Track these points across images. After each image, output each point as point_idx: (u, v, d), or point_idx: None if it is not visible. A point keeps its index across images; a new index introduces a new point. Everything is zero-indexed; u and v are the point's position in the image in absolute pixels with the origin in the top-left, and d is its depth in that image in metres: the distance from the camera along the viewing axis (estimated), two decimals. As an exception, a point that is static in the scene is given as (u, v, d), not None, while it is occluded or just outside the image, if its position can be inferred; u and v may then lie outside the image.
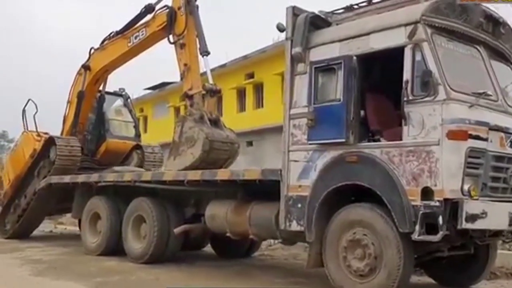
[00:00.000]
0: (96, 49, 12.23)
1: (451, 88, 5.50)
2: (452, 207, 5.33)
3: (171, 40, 10.11)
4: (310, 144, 6.46)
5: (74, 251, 10.55)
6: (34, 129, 12.76)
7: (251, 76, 25.27)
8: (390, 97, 6.49)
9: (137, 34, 11.20)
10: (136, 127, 13.68)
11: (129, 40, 11.37)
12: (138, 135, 13.65)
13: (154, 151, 12.90)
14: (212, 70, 28.75)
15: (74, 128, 12.32)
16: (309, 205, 6.39)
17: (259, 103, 25.31)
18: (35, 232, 13.74)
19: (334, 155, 6.26)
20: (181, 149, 9.06)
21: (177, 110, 30.93)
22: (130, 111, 13.96)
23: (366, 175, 5.92)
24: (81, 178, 10.44)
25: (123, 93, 13.96)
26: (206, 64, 10.11)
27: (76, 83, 12.61)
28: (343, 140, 6.08)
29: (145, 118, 35.09)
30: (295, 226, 6.58)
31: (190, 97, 9.87)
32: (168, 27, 10.17)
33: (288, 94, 6.84)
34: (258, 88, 25.15)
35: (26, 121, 13.04)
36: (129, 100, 14.16)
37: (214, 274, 8.17)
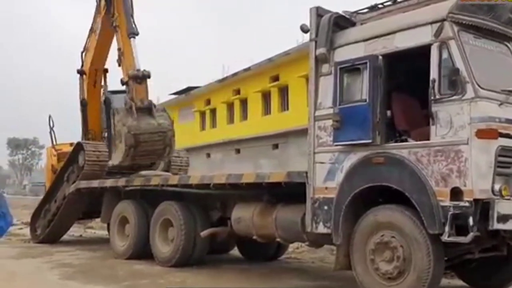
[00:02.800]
0: (83, 52, 12.35)
1: (479, 86, 5.39)
2: (483, 207, 5.22)
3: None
4: (336, 145, 6.40)
5: (103, 255, 10.63)
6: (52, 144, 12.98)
7: (276, 79, 25.28)
8: (417, 96, 6.38)
9: (97, 25, 11.15)
10: None
11: (95, 33, 11.35)
12: None
13: (179, 155, 12.98)
14: (235, 74, 28.99)
15: (85, 136, 12.41)
16: (336, 207, 6.33)
17: (284, 106, 25.29)
18: (65, 237, 13.90)
19: (360, 157, 6.19)
20: (116, 143, 8.89)
21: (202, 114, 31.15)
22: None
23: (393, 176, 5.83)
24: (109, 182, 10.55)
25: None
26: (134, 47, 9.66)
27: (79, 91, 12.72)
28: (369, 141, 6.01)
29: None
30: (321, 229, 6.53)
31: (126, 85, 9.56)
32: (107, 11, 10.03)
33: (313, 95, 6.80)
34: (283, 91, 25.14)
35: (51, 136, 13.26)
36: None
37: (239, 277, 8.15)
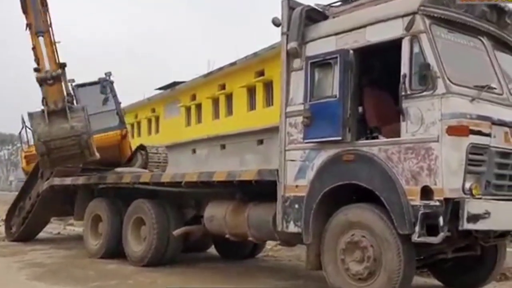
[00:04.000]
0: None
1: (451, 82, 5.22)
2: (454, 207, 5.06)
3: None
4: (307, 143, 6.22)
5: (77, 254, 10.39)
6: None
7: (261, 73, 25.04)
8: (390, 92, 6.20)
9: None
10: (119, 113, 12.68)
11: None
12: (122, 122, 12.73)
13: (158, 151, 12.76)
14: (221, 69, 28.66)
15: None
16: (306, 205, 6.16)
17: (269, 101, 25.06)
18: (42, 234, 13.66)
19: (330, 154, 6.01)
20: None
21: (188, 109, 30.88)
22: (113, 97, 12.78)
23: (363, 174, 5.67)
24: (81, 180, 10.31)
25: (99, 79, 12.78)
26: (42, 46, 9.35)
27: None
28: (339, 138, 5.84)
29: (157, 118, 35.11)
30: (292, 228, 6.35)
31: (40, 86, 9.18)
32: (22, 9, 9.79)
33: (284, 91, 6.61)
34: (268, 86, 24.91)
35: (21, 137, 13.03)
36: (107, 85, 12.77)
37: (214, 276, 7.98)
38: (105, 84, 12.53)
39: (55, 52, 10.12)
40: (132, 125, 38.52)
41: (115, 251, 9.43)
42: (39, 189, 11.72)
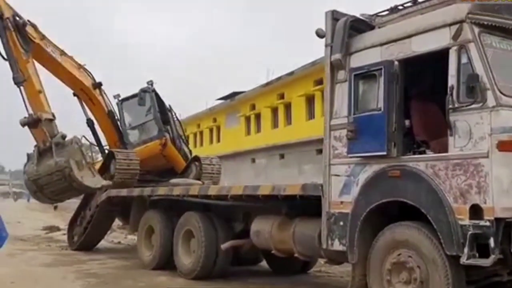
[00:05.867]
0: None
1: (502, 93, 4.89)
2: (506, 227, 4.71)
3: None
4: (351, 157, 6.02)
5: (132, 265, 10.57)
6: None
7: (320, 82, 24.74)
8: (439, 104, 5.89)
9: None
10: (158, 122, 12.71)
11: None
12: (161, 130, 12.69)
13: (212, 162, 12.82)
14: (279, 78, 28.51)
15: (102, 153, 12.57)
16: (351, 223, 5.95)
17: (328, 110, 24.71)
18: (104, 243, 14.10)
19: (376, 169, 5.79)
20: None
21: (247, 119, 31.04)
22: (152, 107, 12.81)
23: (410, 191, 5.41)
24: (136, 191, 10.51)
25: (139, 90, 12.82)
26: (23, 94, 10.11)
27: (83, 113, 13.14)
28: (385, 153, 5.60)
29: (218, 128, 35.52)
30: (337, 246, 6.15)
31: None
32: None
33: (328, 103, 6.44)
34: (327, 95, 24.55)
35: None
36: (146, 95, 12.78)
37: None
38: (142, 96, 12.60)
39: (40, 97, 10.70)
40: (195, 135, 39.29)
41: (167, 263, 9.52)
42: (98, 200, 12.07)
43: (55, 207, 18.48)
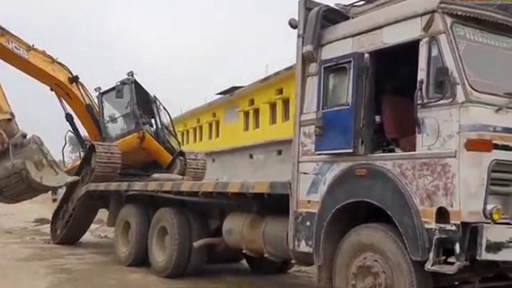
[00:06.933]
0: None
1: (473, 88, 4.57)
2: (472, 232, 4.40)
3: None
4: (319, 154, 5.71)
5: (111, 260, 10.28)
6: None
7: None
8: (413, 100, 5.58)
9: None
10: (135, 115, 12.22)
11: None
12: (137, 123, 12.20)
13: (197, 157, 12.50)
14: (278, 73, 27.94)
15: (83, 149, 12.27)
16: (318, 223, 5.66)
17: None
18: (89, 237, 13.90)
19: (343, 168, 5.49)
20: None
21: (246, 114, 30.73)
22: (130, 99, 12.24)
23: (376, 191, 5.11)
24: (113, 186, 10.26)
25: (117, 83, 12.32)
26: None
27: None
28: (351, 150, 5.30)
29: (217, 123, 35.22)
30: (303, 247, 5.86)
31: None
32: None
33: (299, 98, 6.13)
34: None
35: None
36: (125, 87, 12.18)
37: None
38: (120, 88, 12.15)
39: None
40: (195, 130, 39.02)
41: (142, 259, 9.26)
42: (79, 193, 11.82)
43: (54, 200, 18.31)
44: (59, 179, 11.16)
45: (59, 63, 12.64)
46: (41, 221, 18.41)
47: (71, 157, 24.58)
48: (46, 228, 16.40)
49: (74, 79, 12.64)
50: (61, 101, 12.79)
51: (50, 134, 13.77)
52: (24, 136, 10.88)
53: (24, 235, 14.81)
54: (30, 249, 11.77)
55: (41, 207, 27.33)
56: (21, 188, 9.35)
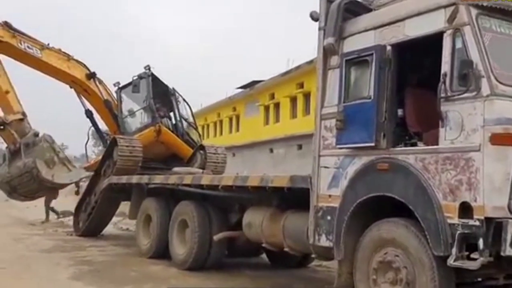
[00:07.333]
0: None
1: (498, 81, 4.47)
2: (497, 228, 4.31)
3: None
4: (340, 148, 5.66)
5: (133, 252, 10.38)
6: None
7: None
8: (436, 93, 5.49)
9: None
10: (151, 109, 12.24)
11: None
12: (154, 117, 12.24)
13: (217, 151, 12.52)
14: (298, 67, 27.78)
15: (103, 144, 12.34)
16: (338, 218, 5.61)
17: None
18: (111, 229, 14.05)
19: (365, 162, 5.43)
20: None
21: (266, 108, 30.67)
22: (147, 93, 12.25)
23: (397, 185, 5.04)
24: (134, 179, 10.34)
25: (134, 77, 12.32)
26: None
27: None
28: (373, 144, 5.24)
29: (238, 117, 35.21)
30: (324, 241, 5.83)
31: None
32: None
33: (320, 91, 6.08)
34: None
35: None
36: (141, 81, 12.24)
37: (250, 285, 7.58)
38: (136, 83, 12.21)
39: (7, 98, 10.95)
40: (215, 124, 39.10)
41: (163, 252, 9.33)
42: (101, 186, 11.95)
43: (77, 192, 18.62)
44: (72, 175, 11.38)
45: (76, 60, 12.82)
46: (64, 213, 18.68)
47: (94, 151, 24.80)
48: (69, 220, 16.71)
49: (92, 76, 12.82)
50: (80, 98, 12.99)
51: (75, 129, 14.00)
52: (36, 135, 11.12)
53: (47, 227, 15.02)
54: (52, 241, 11.95)
55: (65, 200, 27.76)
56: (34, 186, 9.58)
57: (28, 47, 11.96)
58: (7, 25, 11.99)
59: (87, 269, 8.51)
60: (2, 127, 10.02)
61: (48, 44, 12.50)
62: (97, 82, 12.93)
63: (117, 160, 11.34)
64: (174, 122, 12.85)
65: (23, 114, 11.33)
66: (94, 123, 13.27)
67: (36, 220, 16.60)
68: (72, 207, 18.55)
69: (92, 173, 11.58)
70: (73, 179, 11.28)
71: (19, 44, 11.90)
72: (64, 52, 12.75)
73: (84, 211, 12.88)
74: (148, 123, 12.41)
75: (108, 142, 12.47)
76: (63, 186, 11.63)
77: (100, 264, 9.04)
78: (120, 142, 11.39)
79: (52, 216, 18.28)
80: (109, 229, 13.67)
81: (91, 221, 12.55)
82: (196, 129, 13.79)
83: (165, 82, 12.90)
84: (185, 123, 13.00)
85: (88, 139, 13.95)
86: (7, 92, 11.45)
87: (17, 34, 12.00)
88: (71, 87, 12.98)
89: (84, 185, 13.82)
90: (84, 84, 12.79)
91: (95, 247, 11.15)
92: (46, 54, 12.33)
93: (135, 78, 12.30)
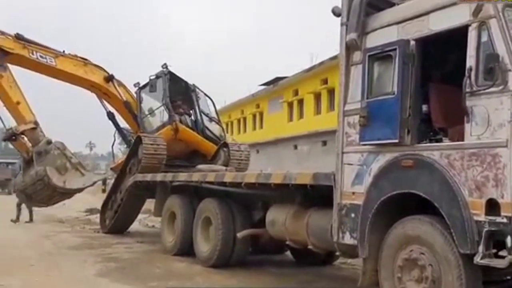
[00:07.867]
0: None
1: (526, 75, 4.35)
2: None
3: None
4: (363, 145, 5.60)
5: (158, 249, 10.47)
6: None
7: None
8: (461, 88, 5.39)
9: None
10: (168, 107, 12.18)
11: None
12: (170, 115, 12.20)
13: (240, 149, 12.52)
14: (322, 63, 27.51)
15: (127, 145, 12.47)
16: (363, 215, 5.56)
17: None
18: (137, 226, 14.20)
19: (389, 158, 5.36)
20: None
21: (290, 104, 30.58)
22: (163, 91, 12.22)
23: (422, 182, 4.97)
24: (159, 177, 10.41)
25: (152, 77, 12.38)
26: None
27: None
28: (397, 140, 5.17)
29: (261, 114, 35.17)
30: (348, 239, 5.78)
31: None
32: None
33: (343, 87, 6.02)
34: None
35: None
36: (158, 80, 12.27)
37: (274, 282, 7.58)
38: (152, 83, 12.28)
39: (18, 109, 11.01)
40: (239, 121, 39.14)
41: (188, 249, 9.37)
42: (127, 184, 12.06)
43: (104, 190, 18.95)
44: (85, 180, 11.57)
45: (94, 65, 12.91)
46: (92, 211, 18.97)
47: (121, 149, 25.10)
48: (96, 217, 16.95)
49: (110, 78, 12.93)
50: (101, 101, 13.13)
51: (103, 128, 14.19)
52: (48, 142, 11.29)
53: (75, 225, 15.29)
54: (80, 238, 12.15)
55: (93, 198, 28.22)
56: (47, 193, 9.80)
57: (40, 56, 12.05)
58: (18, 37, 12.11)
59: (113, 266, 8.62)
60: (14, 137, 10.27)
61: (64, 51, 12.59)
62: (116, 84, 13.04)
63: (142, 158, 11.43)
64: (194, 118, 12.87)
65: (35, 123, 11.52)
66: (116, 125, 13.40)
67: (65, 217, 16.94)
68: (98, 205, 18.88)
69: (101, 178, 11.87)
70: (86, 184, 11.50)
71: (31, 55, 12.00)
72: (80, 57, 12.85)
73: (111, 209, 13.02)
74: (165, 122, 12.45)
75: (132, 141, 12.56)
76: (76, 191, 11.81)
77: (126, 261, 9.14)
78: (144, 140, 11.48)
79: (82, 213, 18.65)
80: (135, 226, 13.83)
81: (117, 219, 12.69)
82: (219, 123, 13.72)
83: (184, 79, 12.92)
84: (206, 119, 12.96)
85: (115, 140, 14.13)
86: (18, 103, 11.62)
87: (27, 45, 12.08)
88: (92, 92, 13.15)
89: (110, 183, 14.00)
90: (103, 87, 12.93)
91: (121, 244, 11.28)
92: (60, 61, 12.42)
93: (152, 77, 12.37)
